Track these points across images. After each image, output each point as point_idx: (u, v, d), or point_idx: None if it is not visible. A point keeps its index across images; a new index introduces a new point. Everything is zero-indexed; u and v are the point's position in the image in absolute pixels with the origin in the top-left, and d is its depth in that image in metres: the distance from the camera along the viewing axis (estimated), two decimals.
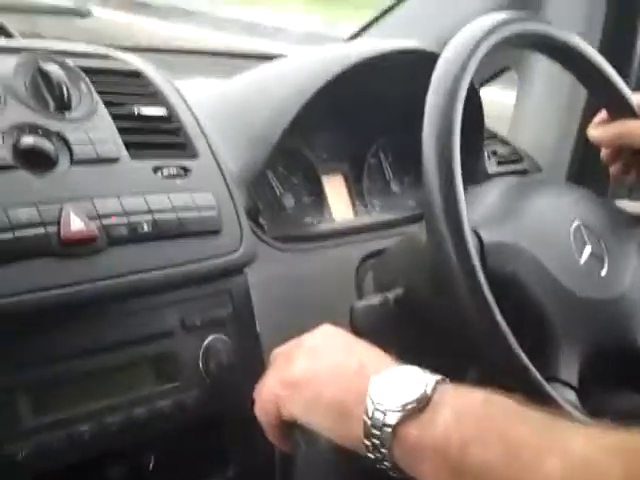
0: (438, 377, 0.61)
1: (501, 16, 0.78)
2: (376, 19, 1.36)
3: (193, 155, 0.82)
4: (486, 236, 0.77)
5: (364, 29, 1.37)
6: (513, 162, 1.21)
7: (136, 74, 0.86)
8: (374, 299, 0.83)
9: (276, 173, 1.01)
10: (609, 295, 0.80)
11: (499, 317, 0.69)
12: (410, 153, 1.04)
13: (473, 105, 0.99)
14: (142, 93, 0.84)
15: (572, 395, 0.73)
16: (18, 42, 0.91)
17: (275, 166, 1.01)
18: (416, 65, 0.93)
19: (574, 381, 0.74)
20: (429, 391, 0.59)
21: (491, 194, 0.85)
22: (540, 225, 0.81)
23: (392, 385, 0.60)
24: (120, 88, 0.82)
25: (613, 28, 1.19)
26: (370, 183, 1.11)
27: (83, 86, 0.78)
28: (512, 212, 0.82)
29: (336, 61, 0.94)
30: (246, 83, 1.02)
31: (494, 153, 1.18)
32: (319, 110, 0.94)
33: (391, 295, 0.84)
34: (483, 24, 0.76)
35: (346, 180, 1.09)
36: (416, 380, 0.60)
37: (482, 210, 0.81)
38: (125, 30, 2.18)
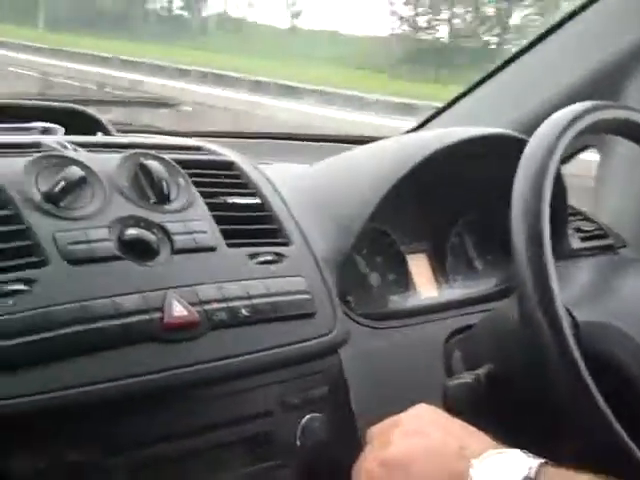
0: (541, 460, 0.60)
1: (585, 105, 0.81)
2: (438, 112, 1.40)
3: (286, 241, 0.85)
4: (579, 315, 0.77)
5: (429, 120, 1.41)
6: (598, 238, 1.21)
7: (228, 165, 0.90)
8: (466, 377, 0.83)
9: (362, 254, 1.03)
10: None
11: (598, 396, 0.68)
12: (492, 232, 1.06)
13: (557, 183, 0.99)
14: (235, 183, 0.87)
15: None
16: (117, 138, 0.96)
17: (361, 247, 1.02)
18: (497, 150, 0.96)
19: None
20: (533, 475, 0.59)
21: (582, 272, 0.85)
22: (634, 304, 0.80)
23: (495, 468, 0.60)
24: (214, 179, 0.86)
25: None
26: (453, 261, 1.12)
27: (181, 179, 0.82)
28: (605, 291, 0.82)
29: (420, 149, 0.97)
30: (330, 170, 1.05)
31: (578, 230, 1.18)
32: (402, 194, 0.96)
33: (482, 372, 0.83)
34: (569, 111, 0.79)
35: (429, 259, 1.10)
36: (519, 463, 0.59)
37: (574, 290, 0.82)
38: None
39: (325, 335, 0.81)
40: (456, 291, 1.09)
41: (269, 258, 0.81)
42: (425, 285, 1.08)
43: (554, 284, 0.71)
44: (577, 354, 0.68)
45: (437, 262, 1.10)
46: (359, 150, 1.08)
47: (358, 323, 0.91)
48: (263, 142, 1.38)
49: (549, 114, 0.80)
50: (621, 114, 0.86)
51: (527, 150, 0.76)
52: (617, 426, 0.68)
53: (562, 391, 0.68)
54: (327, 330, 0.81)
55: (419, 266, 1.09)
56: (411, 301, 1.03)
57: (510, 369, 0.83)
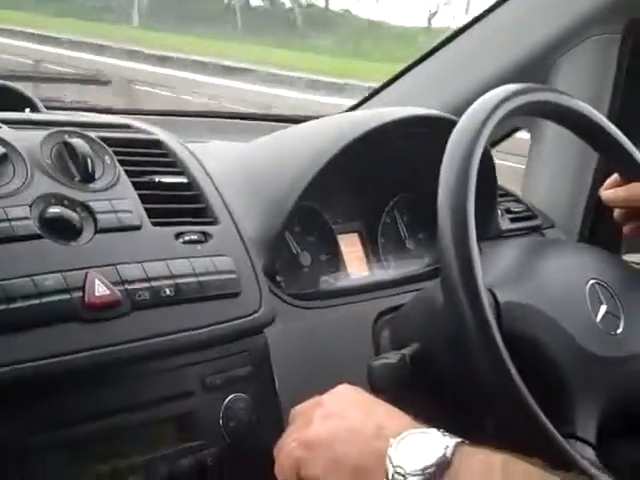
0: (457, 439, 0.61)
1: (513, 87, 0.81)
2: (376, 91, 1.41)
3: (213, 221, 0.84)
4: (501, 296, 0.77)
5: (366, 100, 1.42)
6: (526, 219, 1.22)
7: (155, 143, 0.88)
8: (391, 357, 0.83)
9: (293, 233, 1.03)
10: (626, 353, 0.80)
11: (515, 374, 0.69)
12: (424, 212, 1.05)
13: (486, 165, 0.99)
14: (162, 161, 0.86)
15: (590, 452, 0.73)
16: (44, 116, 0.93)
17: (292, 226, 1.02)
18: (429, 130, 0.96)
19: (592, 438, 0.74)
20: (449, 454, 0.59)
21: (506, 254, 0.86)
22: (555, 285, 0.81)
23: (412, 448, 0.60)
24: (141, 158, 0.84)
25: (621, 93, 1.22)
26: (385, 241, 1.12)
27: (106, 157, 0.80)
28: (527, 272, 0.82)
29: (353, 128, 0.97)
30: (264, 148, 1.04)
31: (508, 211, 1.20)
32: (335, 172, 0.96)
33: (407, 352, 0.84)
34: (496, 94, 0.80)
35: (361, 238, 1.10)
36: (436, 443, 0.60)
37: (497, 270, 0.82)
38: None
39: (250, 315, 0.80)
40: (387, 272, 1.10)
41: (195, 237, 0.80)
42: (356, 265, 1.08)
43: (476, 264, 0.71)
44: (495, 331, 0.69)
45: (369, 242, 1.11)
46: (294, 128, 1.07)
47: (286, 303, 0.91)
48: (204, 121, 1.37)
49: (480, 96, 0.80)
50: (549, 97, 0.86)
51: (454, 132, 0.76)
52: (533, 403, 0.69)
53: (480, 367, 0.69)
54: (252, 310, 0.81)
55: (351, 246, 1.09)
56: (342, 281, 1.03)
57: (434, 348, 0.84)
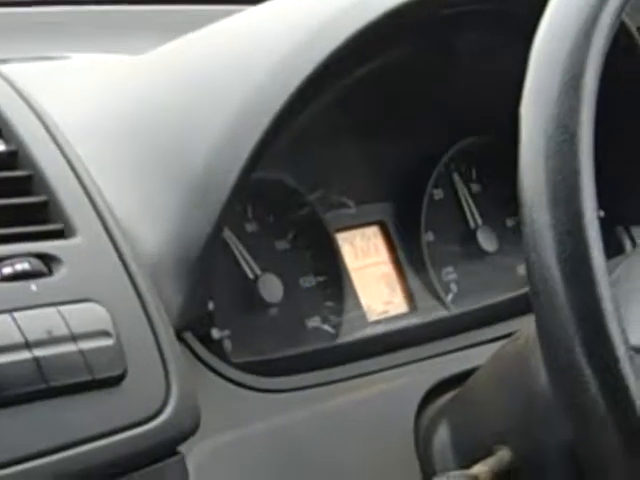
0: None
1: None
2: None
3: (64, 230, 0.85)
4: None
5: None
6: None
7: None
8: None
9: (243, 234, 1.02)
10: None
11: None
12: (512, 171, 1.05)
13: (630, 65, 0.99)
14: None
15: None
16: None
17: (240, 221, 1.02)
18: (508, 9, 0.96)
19: None
20: None
21: None
22: None
23: None
24: None
25: None
26: (437, 238, 1.12)
27: None
28: None
29: (353, 10, 0.95)
30: (174, 62, 1.03)
31: None
32: (323, 103, 0.96)
33: (486, 469, 0.86)
34: None
35: (388, 237, 1.10)
36: None
37: None
38: None
39: (145, 421, 0.80)
40: (443, 301, 1.10)
41: (25, 267, 0.80)
42: (378, 294, 1.08)
43: (607, 305, 0.70)
44: None
45: (403, 244, 1.11)
46: (235, 19, 1.07)
47: (235, 383, 0.92)
48: (60, 11, 1.34)
49: None
50: None
51: (551, 4, 0.77)
52: None
53: None
54: (151, 410, 0.81)
55: (366, 255, 1.09)
56: (349, 329, 1.05)
57: (540, 458, 0.87)
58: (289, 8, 1.05)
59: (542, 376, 0.81)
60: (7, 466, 0.74)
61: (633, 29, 0.97)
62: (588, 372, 0.71)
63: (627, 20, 0.85)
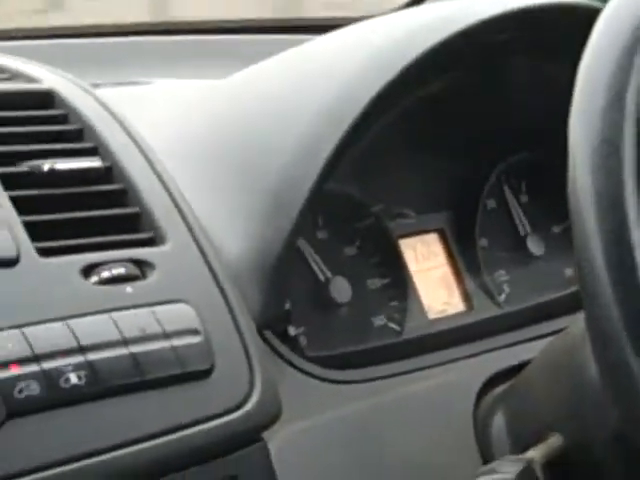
0: None
1: None
2: None
3: (155, 238, 0.84)
4: None
5: None
6: None
7: (44, 97, 0.89)
8: (507, 468, 0.83)
9: (315, 243, 1.01)
10: None
11: None
12: (558, 183, 1.03)
13: None
14: (55, 132, 0.86)
15: None
16: None
17: (313, 230, 1.01)
18: (562, 33, 0.95)
19: None
20: None
21: None
22: None
23: None
24: (15, 129, 0.84)
25: None
26: (490, 244, 1.12)
27: None
28: None
29: (419, 36, 0.95)
30: (252, 88, 1.03)
31: None
32: (388, 127, 0.96)
33: (539, 455, 0.85)
34: None
35: (445, 242, 1.10)
36: None
37: None
38: None
39: (232, 411, 0.80)
40: (496, 300, 1.09)
41: (121, 272, 0.80)
42: (438, 294, 1.08)
43: None
44: None
45: (460, 249, 1.10)
46: (306, 48, 1.06)
47: (310, 375, 0.91)
48: (149, 41, 1.37)
49: None
50: None
51: (595, 32, 0.76)
52: None
53: None
54: (236, 401, 0.80)
55: (426, 259, 1.08)
56: (412, 327, 1.04)
57: (591, 443, 0.86)
58: (352, 36, 1.05)
59: (591, 369, 0.79)
60: (110, 450, 0.74)
61: None
62: (636, 368, 0.69)
63: None
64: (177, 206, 0.87)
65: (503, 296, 1.10)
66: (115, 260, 0.80)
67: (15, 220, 0.78)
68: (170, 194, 0.87)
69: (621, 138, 0.71)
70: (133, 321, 0.77)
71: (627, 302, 0.70)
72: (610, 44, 0.74)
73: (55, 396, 0.72)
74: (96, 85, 0.92)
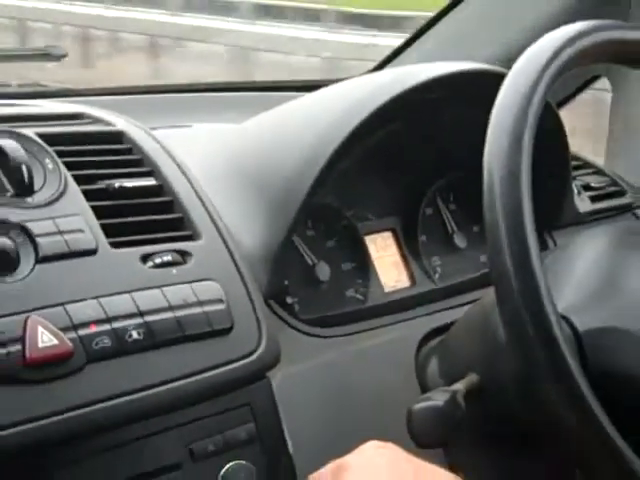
0: None
1: (580, 26, 0.78)
2: (399, 50, 1.37)
3: (192, 235, 0.83)
4: (581, 322, 0.76)
5: (389, 59, 1.38)
6: (612, 196, 1.18)
7: (115, 136, 0.87)
8: (437, 397, 0.81)
9: (305, 238, 1.00)
10: None
11: (609, 428, 0.67)
12: (475, 196, 1.01)
13: (553, 128, 0.98)
14: (123, 161, 0.85)
15: None
16: None
17: (304, 230, 1.00)
18: (478, 90, 0.92)
19: None
20: None
21: (585, 253, 0.82)
22: None
23: None
24: (95, 158, 0.83)
25: None
26: (428, 239, 1.10)
27: (48, 161, 0.77)
28: (616, 280, 0.79)
29: (379, 92, 0.94)
30: (264, 128, 1.02)
31: (587, 187, 1.15)
32: (356, 155, 0.94)
33: (461, 387, 0.82)
34: (558, 35, 0.76)
35: (396, 238, 1.08)
36: None
37: (574, 282, 0.80)
38: None
39: (247, 356, 0.79)
40: (433, 279, 1.08)
41: (169, 259, 0.79)
42: (391, 274, 1.06)
43: (540, 281, 0.68)
44: (578, 376, 0.67)
45: (407, 242, 1.09)
46: (300, 101, 1.05)
47: (301, 332, 0.90)
48: (185, 97, 1.35)
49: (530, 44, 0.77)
50: (627, 35, 0.81)
51: (503, 86, 0.75)
52: (634, 458, 0.67)
53: (563, 424, 0.68)
54: (249, 349, 0.80)
55: (383, 249, 1.07)
56: (373, 297, 1.03)
57: (497, 379, 0.83)
58: (333, 94, 1.03)
59: (498, 326, 0.77)
60: (160, 385, 0.74)
61: (554, 105, 0.97)
62: (528, 325, 0.69)
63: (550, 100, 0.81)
64: (208, 212, 0.86)
65: (437, 275, 1.08)
66: (164, 251, 0.80)
67: (94, 223, 0.77)
68: (203, 203, 0.86)
69: (520, 169, 0.71)
70: (177, 293, 0.77)
71: (522, 279, 0.69)
72: (511, 100, 0.73)
73: (121, 347, 0.72)
74: (153, 128, 0.92)
